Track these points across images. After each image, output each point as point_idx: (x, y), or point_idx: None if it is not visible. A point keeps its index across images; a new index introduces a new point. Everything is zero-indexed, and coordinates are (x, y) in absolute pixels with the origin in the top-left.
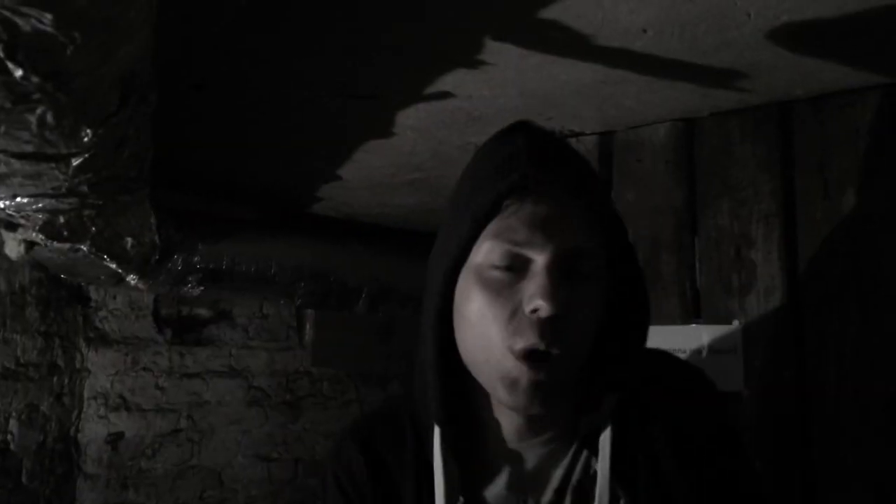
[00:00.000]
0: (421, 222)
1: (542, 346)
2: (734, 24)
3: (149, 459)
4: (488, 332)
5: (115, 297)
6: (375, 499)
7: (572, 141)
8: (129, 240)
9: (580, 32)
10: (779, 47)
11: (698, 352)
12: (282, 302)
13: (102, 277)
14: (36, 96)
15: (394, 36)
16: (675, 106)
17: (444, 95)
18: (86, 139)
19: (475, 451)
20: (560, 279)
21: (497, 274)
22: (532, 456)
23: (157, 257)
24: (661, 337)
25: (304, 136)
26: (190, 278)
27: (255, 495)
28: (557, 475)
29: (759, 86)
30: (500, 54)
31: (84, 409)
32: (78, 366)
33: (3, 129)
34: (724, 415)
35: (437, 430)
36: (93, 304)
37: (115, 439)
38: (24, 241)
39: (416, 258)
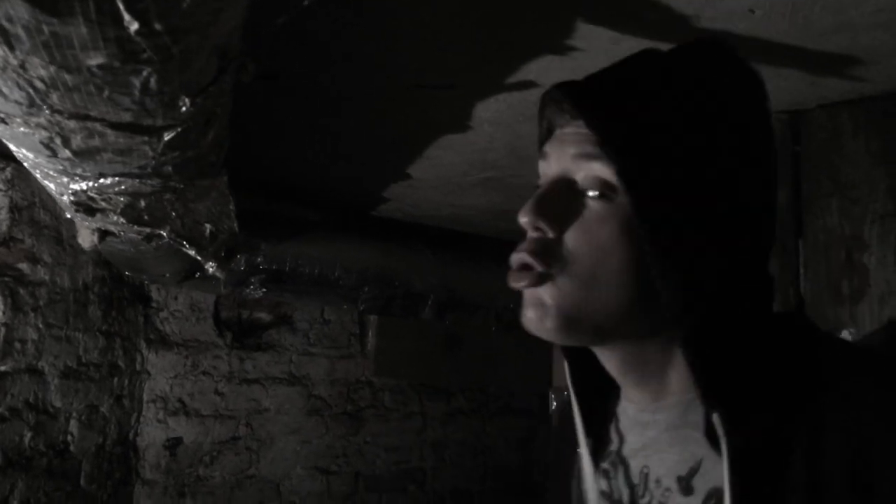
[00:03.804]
0: (491, 227)
1: (527, 259)
2: (852, 3)
3: (207, 467)
4: None
5: (176, 298)
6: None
7: None
8: (208, 226)
9: (680, 13)
10: None
11: None
12: (344, 307)
13: (167, 275)
14: (145, 55)
15: (475, 17)
16: (779, 97)
17: (527, 85)
18: (183, 109)
19: (616, 405)
20: (559, 198)
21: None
22: (654, 428)
23: (233, 246)
24: None
25: (375, 131)
26: (252, 279)
27: None
28: (671, 459)
29: (875, 74)
30: (591, 39)
31: (143, 413)
32: (138, 367)
33: (106, 93)
34: None
35: (566, 369)
36: (154, 304)
37: (173, 445)
38: (99, 230)
39: (486, 264)
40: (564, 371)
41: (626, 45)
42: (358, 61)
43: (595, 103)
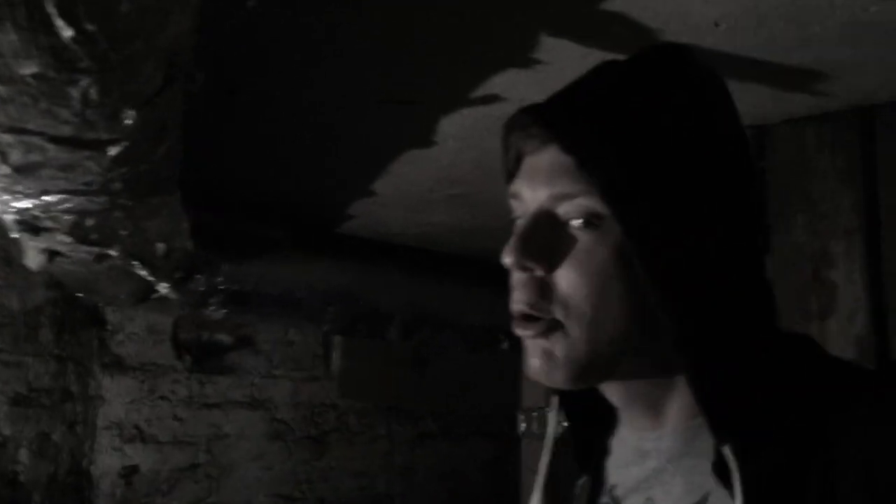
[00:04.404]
0: (459, 244)
1: (527, 310)
2: (817, 18)
3: (164, 496)
4: None
5: (132, 320)
6: None
7: None
8: (160, 245)
9: (646, 26)
10: (864, 45)
11: None
12: (309, 328)
13: (122, 296)
14: (82, 64)
15: (438, 31)
16: (744, 112)
17: (493, 99)
18: (127, 122)
19: (610, 437)
20: (542, 233)
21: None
22: (657, 458)
23: (191, 265)
24: None
25: (337, 147)
26: (212, 300)
27: None
28: (676, 491)
29: (839, 89)
30: (557, 52)
31: (97, 440)
32: (92, 393)
33: (43, 104)
34: None
35: (553, 402)
36: (109, 326)
37: (129, 473)
38: (47, 250)
39: (453, 283)
40: (552, 403)
41: (593, 59)
42: (322, 76)
43: (567, 125)
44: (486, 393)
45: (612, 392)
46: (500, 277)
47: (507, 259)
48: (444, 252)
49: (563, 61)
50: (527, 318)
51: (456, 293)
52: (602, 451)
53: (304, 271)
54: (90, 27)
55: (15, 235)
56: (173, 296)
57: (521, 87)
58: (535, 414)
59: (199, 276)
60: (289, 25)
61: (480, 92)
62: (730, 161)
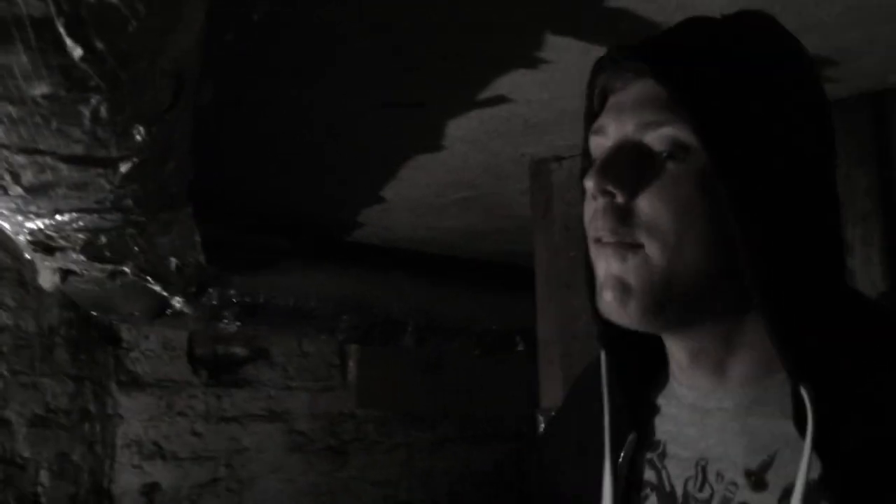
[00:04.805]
0: (470, 248)
1: (604, 234)
2: (820, 3)
3: None
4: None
5: (147, 337)
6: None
7: None
8: (174, 260)
9: (650, 20)
10: (871, 28)
11: None
12: (323, 338)
13: (137, 313)
14: (93, 83)
15: (443, 34)
16: None
17: (499, 101)
18: (138, 138)
19: (657, 394)
20: (626, 160)
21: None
22: (719, 417)
23: (204, 279)
24: None
25: (345, 155)
26: (225, 313)
27: None
28: (737, 451)
29: (848, 73)
30: (562, 51)
31: (117, 458)
32: (110, 411)
33: (54, 124)
34: None
35: (602, 357)
36: (124, 344)
37: (149, 490)
38: (60, 269)
39: (467, 287)
40: (601, 365)
41: (598, 55)
42: (328, 82)
43: (661, 59)
44: (502, 396)
45: (682, 346)
46: (513, 280)
47: (589, 182)
48: (455, 256)
49: (567, 60)
50: (603, 243)
51: (469, 297)
52: (650, 409)
53: (315, 281)
54: (99, 45)
55: (28, 256)
56: (187, 310)
57: (526, 88)
58: (553, 413)
59: (211, 289)
60: (294, 31)
61: (487, 93)
62: (812, 117)
